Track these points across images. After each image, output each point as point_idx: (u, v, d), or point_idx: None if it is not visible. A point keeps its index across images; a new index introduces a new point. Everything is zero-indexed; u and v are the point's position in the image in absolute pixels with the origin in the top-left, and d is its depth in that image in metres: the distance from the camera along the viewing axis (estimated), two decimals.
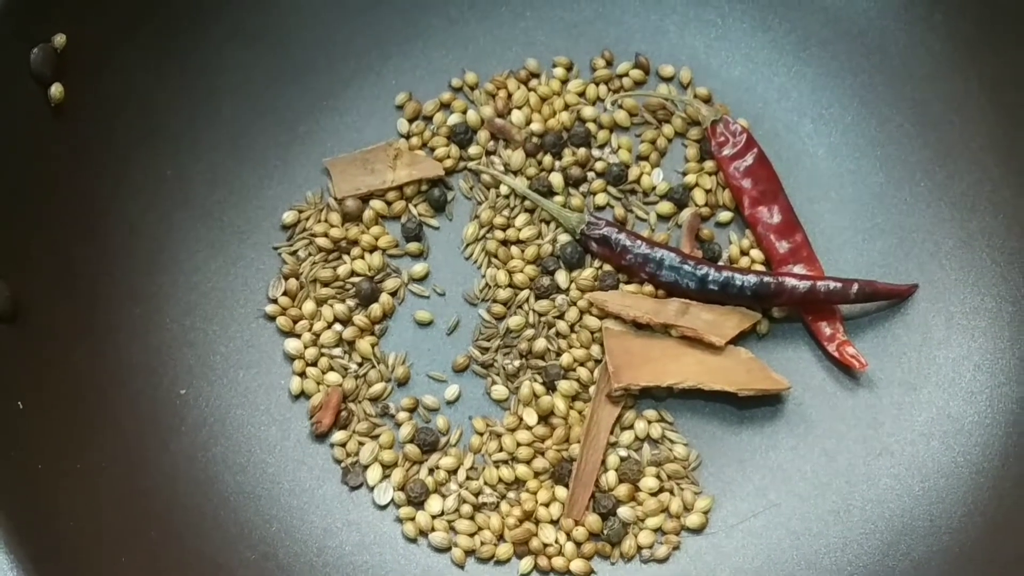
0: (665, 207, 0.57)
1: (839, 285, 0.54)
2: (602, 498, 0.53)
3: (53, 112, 0.50)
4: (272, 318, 0.55)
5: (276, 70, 0.56)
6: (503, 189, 0.56)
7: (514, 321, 0.55)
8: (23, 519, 0.44)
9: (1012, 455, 0.52)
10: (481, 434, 0.54)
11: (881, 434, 0.54)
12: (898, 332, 0.55)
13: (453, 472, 0.53)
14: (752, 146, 0.56)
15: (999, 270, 0.54)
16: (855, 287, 0.54)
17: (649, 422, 0.54)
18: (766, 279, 0.54)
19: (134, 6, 0.53)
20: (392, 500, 0.53)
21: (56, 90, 0.50)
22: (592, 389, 0.54)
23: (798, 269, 0.55)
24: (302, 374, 0.54)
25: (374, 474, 0.53)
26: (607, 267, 0.55)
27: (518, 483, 0.53)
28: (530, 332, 0.55)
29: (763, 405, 0.54)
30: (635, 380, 0.53)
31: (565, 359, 0.54)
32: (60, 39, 0.50)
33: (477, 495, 0.53)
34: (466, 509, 0.53)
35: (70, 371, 0.50)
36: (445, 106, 0.58)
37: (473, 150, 0.57)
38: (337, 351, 0.55)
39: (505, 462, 0.53)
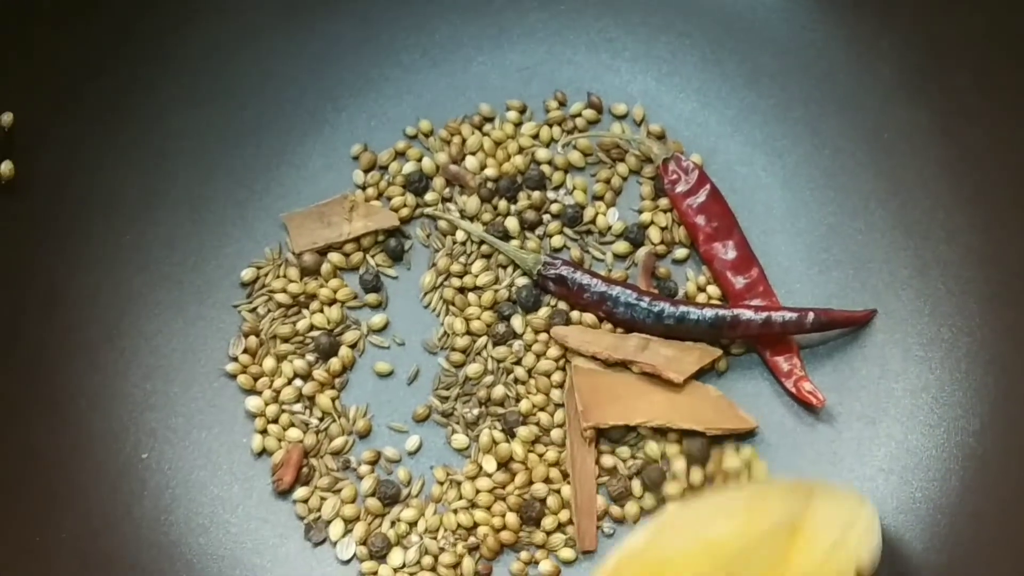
0: (621, 246, 0.57)
1: (795, 315, 0.54)
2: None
3: (4, 189, 0.51)
4: (233, 376, 0.55)
5: (229, 129, 0.57)
6: (459, 235, 0.57)
7: (472, 369, 0.55)
8: None
9: (968, 490, 0.51)
10: (442, 483, 0.54)
11: (842, 470, 0.53)
12: (856, 365, 0.54)
13: (414, 524, 0.54)
14: (705, 182, 0.56)
15: (955, 300, 0.54)
16: (811, 316, 0.54)
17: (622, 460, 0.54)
18: (722, 312, 0.54)
19: (77, 76, 0.53)
20: (355, 555, 0.53)
21: (6, 167, 0.51)
22: (555, 433, 0.54)
23: (755, 303, 0.55)
24: (264, 431, 0.55)
25: (336, 529, 0.54)
26: (562, 305, 0.56)
27: (476, 527, 0.53)
28: (489, 379, 0.55)
29: (726, 440, 0.53)
30: (603, 419, 0.53)
31: (524, 405, 0.54)
32: (7, 117, 0.51)
33: (437, 541, 0.53)
34: (427, 560, 0.53)
35: (29, 445, 0.50)
36: (400, 155, 0.58)
37: (429, 197, 0.57)
38: (298, 407, 0.55)
39: (465, 508, 0.54)
